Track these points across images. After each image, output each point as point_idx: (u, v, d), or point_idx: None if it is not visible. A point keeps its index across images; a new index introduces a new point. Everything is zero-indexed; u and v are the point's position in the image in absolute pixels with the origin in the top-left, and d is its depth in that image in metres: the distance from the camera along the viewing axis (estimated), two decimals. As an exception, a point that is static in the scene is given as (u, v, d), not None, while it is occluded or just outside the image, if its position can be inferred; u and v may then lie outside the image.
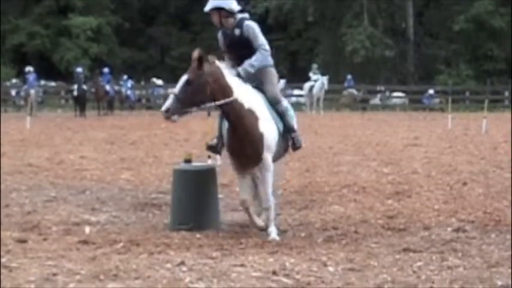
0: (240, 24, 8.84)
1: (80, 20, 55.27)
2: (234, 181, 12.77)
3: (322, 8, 55.09)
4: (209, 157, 10.87)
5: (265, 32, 9.14)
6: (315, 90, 40.30)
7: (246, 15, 9.04)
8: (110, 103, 40.69)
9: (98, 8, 56.55)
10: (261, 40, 8.83)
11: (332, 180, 13.20)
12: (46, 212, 10.23)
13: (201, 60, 8.29)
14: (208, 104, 8.47)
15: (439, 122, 30.23)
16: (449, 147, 19.06)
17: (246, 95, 8.58)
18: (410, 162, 15.76)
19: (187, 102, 8.29)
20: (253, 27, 8.83)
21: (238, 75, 8.68)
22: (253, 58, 8.75)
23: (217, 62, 8.51)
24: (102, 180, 13.37)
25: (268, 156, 8.63)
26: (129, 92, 45.19)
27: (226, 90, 8.45)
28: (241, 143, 8.58)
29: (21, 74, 45.15)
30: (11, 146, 19.04)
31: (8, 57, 53.96)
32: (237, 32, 8.83)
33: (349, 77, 47.25)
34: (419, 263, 7.45)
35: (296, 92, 46.27)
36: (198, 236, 8.64)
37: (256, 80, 8.84)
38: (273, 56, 9.09)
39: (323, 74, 41.92)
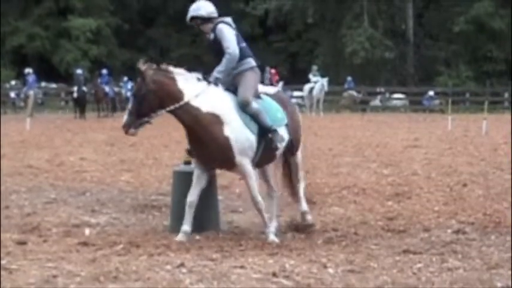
0: (214, 28, 8.86)
1: (79, 21, 55.24)
2: (233, 182, 12.79)
3: (322, 9, 55.07)
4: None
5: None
6: (314, 92, 40.29)
7: (226, 18, 9.01)
8: (112, 105, 40.66)
9: (97, 10, 56.52)
10: (227, 43, 8.74)
11: (332, 181, 13.20)
12: (46, 214, 10.24)
13: (141, 72, 8.45)
14: (159, 112, 8.53)
15: (439, 124, 30.23)
16: (449, 149, 19.07)
17: (206, 98, 8.53)
18: (410, 164, 15.76)
19: (137, 114, 8.48)
20: (221, 29, 8.81)
21: (210, 81, 8.71)
22: (221, 63, 8.75)
23: (170, 69, 8.61)
24: (102, 182, 13.37)
25: (242, 160, 8.57)
26: (129, 94, 45.15)
27: (177, 96, 8.49)
28: (206, 148, 8.58)
29: (21, 76, 45.11)
30: (10, 148, 19.04)
31: (8, 59, 53.92)
32: (211, 36, 8.89)
33: (349, 78, 47.25)
34: (419, 265, 7.45)
35: (296, 93, 46.27)
36: (197, 237, 8.64)
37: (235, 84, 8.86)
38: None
39: (323, 76, 41.90)
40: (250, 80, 8.83)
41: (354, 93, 47.13)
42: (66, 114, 41.86)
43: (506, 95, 47.42)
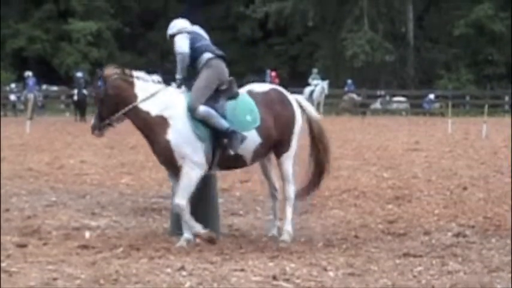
0: None
1: (80, 24, 55.24)
2: (234, 186, 12.80)
3: (323, 12, 55.11)
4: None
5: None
6: (315, 95, 40.29)
7: (193, 28, 9.10)
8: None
9: (97, 13, 56.53)
10: (176, 45, 8.91)
11: (332, 184, 13.17)
12: (46, 217, 10.24)
13: (103, 76, 8.80)
14: (117, 115, 8.76)
15: (439, 127, 30.22)
16: (450, 152, 19.06)
17: (158, 102, 8.66)
18: (410, 167, 15.76)
19: (100, 117, 8.83)
20: (174, 41, 8.97)
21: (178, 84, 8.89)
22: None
23: (133, 73, 8.87)
24: (102, 185, 13.37)
25: (184, 164, 8.55)
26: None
27: (131, 100, 8.70)
28: (155, 151, 8.74)
29: (21, 79, 45.11)
30: (11, 151, 19.03)
31: (8, 62, 53.91)
32: None
33: (349, 81, 47.25)
34: (419, 268, 7.46)
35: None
36: (197, 240, 8.63)
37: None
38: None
39: (323, 79, 41.89)
40: (202, 81, 8.74)
41: (354, 96, 47.10)
42: (66, 117, 41.84)
43: (507, 98, 47.34)
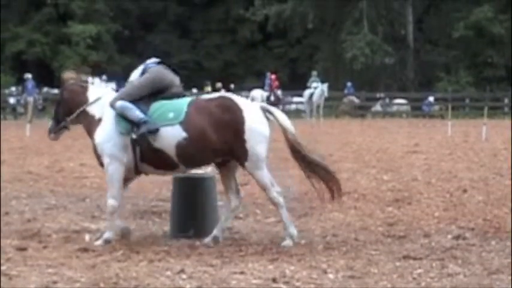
0: None
1: (79, 27, 55.31)
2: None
3: (322, 15, 55.16)
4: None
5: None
6: (314, 98, 40.26)
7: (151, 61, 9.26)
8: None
9: (97, 16, 56.60)
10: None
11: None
12: (46, 220, 10.24)
13: (62, 80, 9.31)
14: (69, 118, 9.16)
15: (439, 129, 30.22)
16: (449, 154, 19.06)
17: (101, 105, 8.95)
18: (410, 169, 15.76)
19: (57, 119, 9.27)
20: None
21: None
22: None
23: (89, 79, 9.55)
24: (102, 188, 13.33)
25: (106, 159, 8.82)
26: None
27: (83, 104, 9.06)
28: None
29: (21, 82, 45.15)
30: (10, 154, 19.04)
31: (8, 65, 53.96)
32: None
33: (349, 84, 47.27)
34: (419, 270, 7.46)
35: (296, 99, 46.26)
36: (197, 243, 8.65)
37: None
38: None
39: (323, 81, 41.90)
40: (133, 83, 9.04)
41: (354, 98, 47.14)
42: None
43: (506, 100, 47.38)
